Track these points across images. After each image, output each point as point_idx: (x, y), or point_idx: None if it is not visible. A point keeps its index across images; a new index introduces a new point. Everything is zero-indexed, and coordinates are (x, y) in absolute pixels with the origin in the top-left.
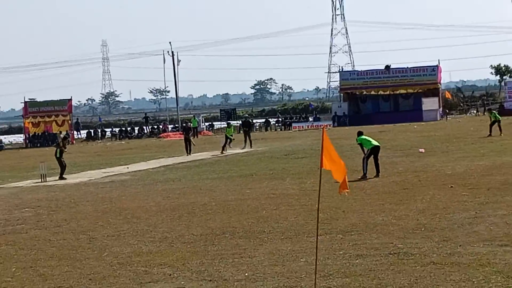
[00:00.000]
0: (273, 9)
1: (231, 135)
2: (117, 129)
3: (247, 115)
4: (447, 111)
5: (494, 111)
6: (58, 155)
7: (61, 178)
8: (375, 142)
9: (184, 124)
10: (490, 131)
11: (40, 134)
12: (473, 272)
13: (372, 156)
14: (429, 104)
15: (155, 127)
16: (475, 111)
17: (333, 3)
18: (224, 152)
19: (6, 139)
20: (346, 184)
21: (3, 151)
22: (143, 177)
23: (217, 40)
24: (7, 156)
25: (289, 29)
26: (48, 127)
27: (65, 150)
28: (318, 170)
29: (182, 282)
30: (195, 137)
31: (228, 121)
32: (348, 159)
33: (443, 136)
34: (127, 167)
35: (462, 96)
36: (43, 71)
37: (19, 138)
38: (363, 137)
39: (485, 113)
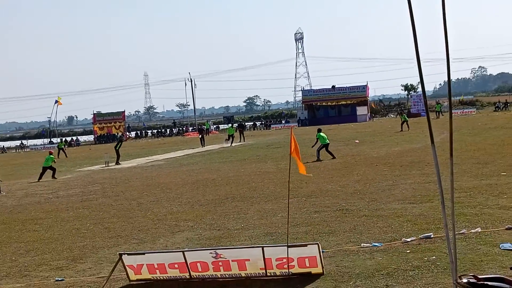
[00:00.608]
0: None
1: (232, 134)
2: (155, 131)
3: (241, 120)
4: (373, 115)
5: (404, 114)
6: (117, 147)
7: (117, 163)
8: (327, 141)
9: (200, 127)
10: (401, 128)
11: (104, 135)
12: (391, 221)
13: (324, 148)
14: (361, 110)
15: (180, 129)
16: (393, 115)
17: (296, 44)
18: (226, 144)
19: (82, 138)
20: (303, 169)
21: (80, 146)
22: (173, 162)
23: (220, 70)
24: (83, 150)
25: (267, 62)
26: (109, 130)
27: (125, 140)
28: (289, 156)
29: (200, 231)
30: (207, 135)
31: (229, 124)
32: (308, 148)
33: (371, 132)
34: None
35: (383, 105)
36: (105, 93)
37: (90, 137)
38: (321, 134)
39: (398, 116)
